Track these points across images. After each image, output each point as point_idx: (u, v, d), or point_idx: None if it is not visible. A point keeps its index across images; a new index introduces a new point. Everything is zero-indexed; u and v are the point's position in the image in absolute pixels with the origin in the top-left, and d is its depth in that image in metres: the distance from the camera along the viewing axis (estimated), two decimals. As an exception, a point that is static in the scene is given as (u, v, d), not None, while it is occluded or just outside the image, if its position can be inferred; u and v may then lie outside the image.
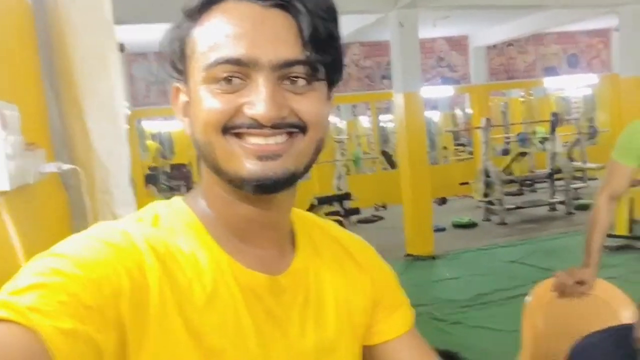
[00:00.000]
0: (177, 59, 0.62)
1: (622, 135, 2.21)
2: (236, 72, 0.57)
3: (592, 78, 9.41)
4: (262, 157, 0.58)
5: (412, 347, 0.76)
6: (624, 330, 1.52)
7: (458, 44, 9.69)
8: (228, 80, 0.57)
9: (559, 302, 2.05)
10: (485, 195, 7.76)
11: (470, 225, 7.40)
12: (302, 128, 0.59)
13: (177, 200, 0.67)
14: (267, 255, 0.66)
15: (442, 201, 9.08)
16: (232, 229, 0.65)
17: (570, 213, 7.55)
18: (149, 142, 11.49)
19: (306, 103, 0.59)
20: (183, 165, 10.45)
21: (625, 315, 1.96)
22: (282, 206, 0.66)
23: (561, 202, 7.69)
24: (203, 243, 0.62)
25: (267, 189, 0.59)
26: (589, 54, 10.23)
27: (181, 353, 0.56)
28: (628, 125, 2.23)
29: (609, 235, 4.96)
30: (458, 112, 15.58)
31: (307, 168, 0.62)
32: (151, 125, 11.96)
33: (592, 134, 10.66)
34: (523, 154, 8.94)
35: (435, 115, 14.03)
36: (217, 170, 0.61)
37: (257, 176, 0.58)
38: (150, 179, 9.37)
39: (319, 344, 0.67)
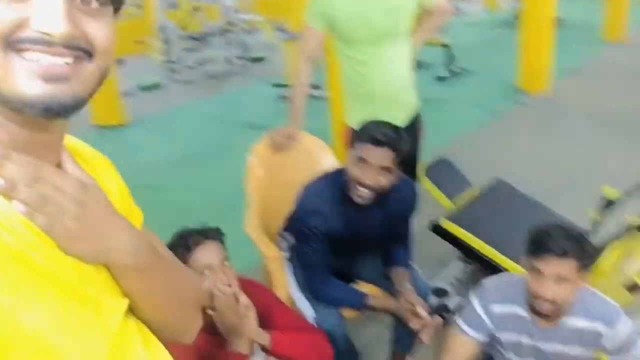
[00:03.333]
0: None
1: None
2: None
3: None
4: (48, 78, 0.53)
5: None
6: (334, 175, 1.86)
7: None
8: None
9: (274, 156, 2.32)
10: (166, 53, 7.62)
11: (156, 87, 7.27)
12: (90, 53, 0.56)
13: None
14: None
15: (119, 62, 8.52)
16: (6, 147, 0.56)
17: (246, 66, 8.09)
18: None
19: (99, 27, 0.57)
20: None
21: (325, 160, 2.36)
22: (63, 128, 0.63)
23: (239, 57, 8.11)
24: None
25: (55, 114, 0.54)
26: None
27: None
28: None
29: (285, 86, 5.47)
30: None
31: (91, 96, 0.59)
32: None
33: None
34: (196, 8, 8.88)
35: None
36: None
37: (43, 100, 0.53)
38: None
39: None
